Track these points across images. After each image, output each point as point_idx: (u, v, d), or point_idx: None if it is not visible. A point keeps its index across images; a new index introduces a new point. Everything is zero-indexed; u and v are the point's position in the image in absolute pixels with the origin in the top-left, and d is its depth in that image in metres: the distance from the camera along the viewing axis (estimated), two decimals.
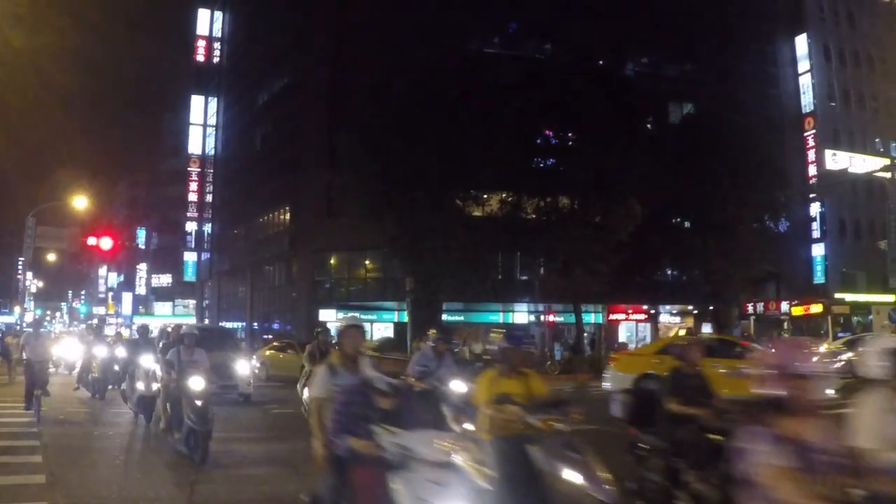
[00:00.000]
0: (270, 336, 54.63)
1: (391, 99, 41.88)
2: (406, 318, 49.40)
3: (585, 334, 51.67)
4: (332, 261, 59.37)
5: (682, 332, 56.24)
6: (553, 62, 51.68)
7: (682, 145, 45.59)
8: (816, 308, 55.08)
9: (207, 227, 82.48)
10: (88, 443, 16.04)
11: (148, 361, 18.38)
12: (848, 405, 5.27)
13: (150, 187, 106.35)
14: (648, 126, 51.25)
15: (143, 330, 21.72)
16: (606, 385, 25.14)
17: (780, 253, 53.60)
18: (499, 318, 55.89)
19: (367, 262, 57.85)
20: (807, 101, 65.64)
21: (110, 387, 24.15)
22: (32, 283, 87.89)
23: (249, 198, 69.65)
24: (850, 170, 59.68)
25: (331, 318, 54.35)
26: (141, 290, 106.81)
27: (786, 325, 54.92)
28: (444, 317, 46.74)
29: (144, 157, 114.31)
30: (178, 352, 14.74)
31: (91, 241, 49.94)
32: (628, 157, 41.67)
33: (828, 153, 63.07)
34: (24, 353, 20.39)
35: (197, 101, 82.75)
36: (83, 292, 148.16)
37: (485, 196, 48.14)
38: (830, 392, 4.62)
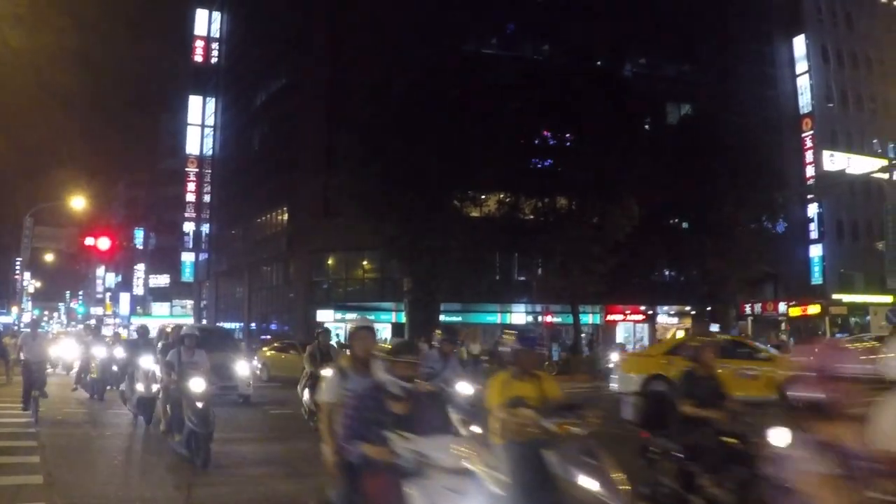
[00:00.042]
0: (269, 336, 54.56)
1: (390, 99, 41.81)
2: (404, 319, 49.40)
3: (583, 335, 51.67)
4: (329, 261, 59.34)
5: (681, 333, 56.37)
6: (551, 63, 51.72)
7: (680, 146, 45.62)
8: (814, 309, 55.22)
9: (205, 228, 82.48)
10: (86, 443, 16.01)
11: (147, 362, 18.24)
12: (871, 407, 5.16)
13: (148, 187, 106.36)
14: (646, 127, 51.35)
15: (143, 330, 21.52)
16: (614, 386, 25.12)
17: (778, 254, 53.64)
18: (496, 318, 55.91)
19: (364, 262, 57.83)
20: (805, 101, 65.70)
21: (109, 388, 23.97)
22: (30, 284, 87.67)
23: (247, 198, 69.63)
24: (847, 171, 59.64)
25: (328, 318, 54.47)
26: (139, 290, 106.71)
27: (783, 325, 54.97)
28: (442, 317, 46.72)
29: (142, 157, 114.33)
30: (178, 353, 14.51)
31: (89, 241, 49.93)
32: (626, 157, 41.67)
33: (826, 154, 63.13)
34: (21, 354, 20.34)
35: (195, 102, 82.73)
36: (81, 292, 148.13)
37: (483, 196, 48.13)
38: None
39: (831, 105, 66.80)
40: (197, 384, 13.53)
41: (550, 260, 47.04)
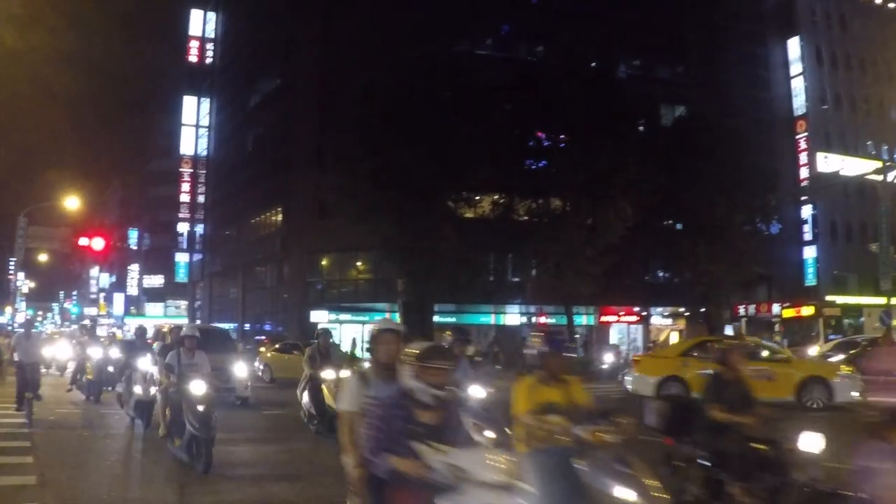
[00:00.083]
0: (264, 337, 54.50)
1: (384, 100, 41.74)
2: (398, 320, 49.36)
3: (577, 336, 51.68)
4: (323, 262, 59.33)
5: (675, 334, 56.39)
6: (545, 64, 51.80)
7: (673, 148, 45.65)
8: (808, 310, 55.10)
9: (199, 228, 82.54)
10: (81, 445, 15.85)
11: (145, 364, 17.86)
12: None
13: (142, 188, 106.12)
14: (640, 128, 51.34)
15: (141, 331, 21.30)
16: (628, 388, 25.11)
17: (772, 255, 53.71)
18: (490, 319, 55.92)
19: (358, 263, 57.87)
20: (799, 103, 65.73)
21: (108, 389, 23.57)
22: (24, 284, 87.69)
23: (241, 199, 69.64)
24: (841, 172, 59.72)
25: (322, 319, 54.51)
26: (132, 290, 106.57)
27: (777, 327, 54.96)
28: (436, 318, 46.73)
29: (136, 157, 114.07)
30: (177, 354, 14.11)
31: (83, 241, 49.98)
32: (620, 159, 41.66)
33: (819, 156, 63.24)
34: (14, 355, 20.18)
35: (189, 102, 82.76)
36: (75, 293, 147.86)
37: (477, 197, 48.17)
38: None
39: (825, 107, 66.85)
40: (198, 387, 13.09)
41: (544, 261, 46.98)
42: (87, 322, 51.44)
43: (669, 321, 61.09)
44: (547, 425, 6.93)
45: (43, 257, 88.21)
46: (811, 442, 7.59)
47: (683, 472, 8.82)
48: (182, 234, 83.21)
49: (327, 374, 16.30)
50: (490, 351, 46.09)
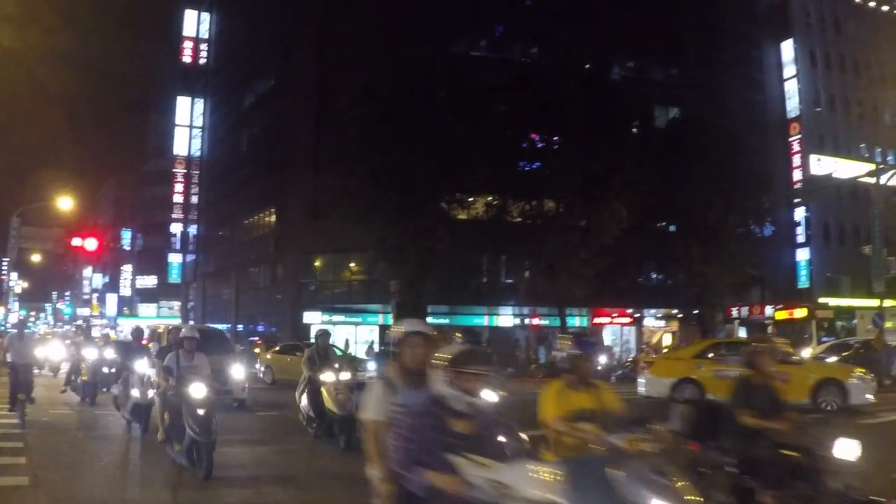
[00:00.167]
0: (257, 338, 54.40)
1: (378, 101, 41.72)
2: (391, 321, 49.36)
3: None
4: (317, 263, 59.32)
5: (668, 336, 56.49)
6: (540, 65, 51.89)
7: (667, 149, 45.66)
8: (801, 312, 55.35)
9: (193, 229, 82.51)
10: (75, 446, 15.77)
11: (143, 366, 17.51)
12: None
13: (136, 188, 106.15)
14: (634, 130, 51.29)
15: (137, 332, 21.10)
16: (641, 391, 24.94)
17: (765, 257, 53.69)
18: (483, 321, 55.87)
19: (352, 264, 57.83)
20: (792, 105, 65.81)
21: (103, 390, 23.34)
22: (17, 284, 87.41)
23: (235, 199, 69.61)
24: (834, 175, 59.87)
25: (316, 320, 54.53)
26: (125, 291, 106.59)
27: (770, 329, 55.05)
28: (429, 319, 46.68)
29: (130, 157, 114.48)
30: (176, 356, 13.73)
31: (76, 241, 49.97)
32: (614, 160, 41.62)
33: (813, 158, 63.34)
34: (7, 356, 20.05)
35: (183, 103, 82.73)
36: (68, 293, 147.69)
37: (470, 199, 48.10)
38: None
39: (819, 109, 66.93)
40: (198, 390, 12.73)
41: (538, 263, 46.96)
42: (81, 322, 51.36)
43: (662, 323, 61.17)
44: (579, 433, 6.64)
45: (36, 258, 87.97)
46: (846, 449, 7.39)
47: (710, 479, 8.37)
48: (175, 235, 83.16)
49: (326, 376, 16.02)
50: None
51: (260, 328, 64.66)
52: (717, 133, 46.73)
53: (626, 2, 54.67)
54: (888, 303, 39.88)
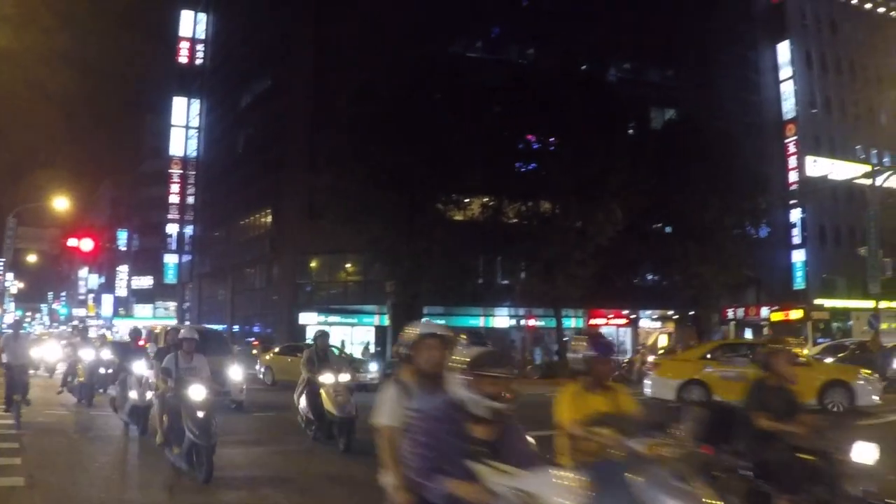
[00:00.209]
0: (254, 339, 54.35)
1: (374, 101, 41.72)
2: (387, 322, 49.37)
3: (566, 339, 51.72)
4: (313, 264, 59.29)
5: (664, 337, 56.48)
6: (536, 66, 51.93)
7: (663, 151, 45.61)
8: (796, 314, 55.35)
9: (189, 230, 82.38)
10: (71, 447, 15.67)
11: (140, 368, 17.17)
12: None
13: (132, 189, 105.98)
14: (630, 131, 51.31)
15: (136, 334, 20.96)
16: (648, 392, 24.83)
17: (761, 258, 53.78)
18: (479, 321, 55.84)
19: (348, 265, 57.82)
20: (788, 107, 65.89)
21: (100, 391, 23.12)
22: (13, 285, 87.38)
23: (231, 200, 69.53)
24: (830, 176, 59.94)
25: (311, 320, 54.50)
26: (121, 291, 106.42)
27: (766, 330, 55.10)
28: (425, 320, 46.74)
29: (126, 158, 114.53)
30: (174, 358, 13.50)
31: (72, 242, 49.98)
32: (610, 162, 41.65)
33: (809, 159, 63.44)
34: (2, 357, 19.96)
35: (179, 103, 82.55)
36: (63, 293, 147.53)
37: (466, 200, 48.13)
38: None
39: (815, 111, 67.02)
40: (197, 392, 12.48)
41: (534, 264, 46.95)
42: (78, 323, 51.25)
43: (658, 324, 61.19)
44: (598, 437, 6.37)
45: (32, 258, 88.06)
46: (864, 452, 7.21)
47: (724, 483, 7.95)
48: (171, 236, 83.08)
49: (326, 378, 15.90)
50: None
51: (256, 329, 64.60)
52: (714, 134, 46.72)
53: (623, 3, 54.75)
54: (884, 304, 39.96)
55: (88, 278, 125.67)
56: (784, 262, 63.30)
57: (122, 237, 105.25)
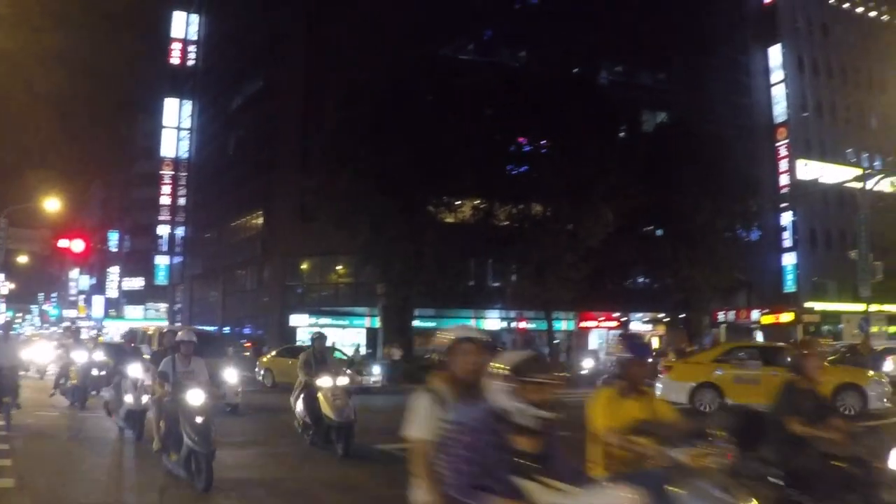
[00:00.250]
0: (246, 341, 54.19)
1: (365, 103, 41.72)
2: (378, 324, 49.36)
3: (556, 341, 51.78)
4: (304, 265, 59.25)
5: (655, 340, 56.48)
6: (528, 69, 51.98)
7: (654, 154, 45.68)
8: (787, 317, 55.47)
9: (180, 231, 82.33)
10: (62, 450, 15.47)
11: (136, 371, 16.74)
12: None
13: (123, 190, 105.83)
14: (622, 134, 51.30)
15: (131, 336, 20.62)
16: (659, 395, 24.68)
17: (752, 261, 53.90)
18: (470, 324, 55.69)
19: (339, 267, 57.75)
20: (780, 110, 66.06)
21: (93, 393, 22.65)
22: (3, 285, 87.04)
23: (222, 202, 69.48)
24: (821, 180, 60.10)
25: (302, 322, 54.52)
26: (112, 293, 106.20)
27: (756, 333, 55.22)
28: (416, 322, 46.80)
29: (117, 159, 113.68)
30: (172, 361, 12.98)
31: (63, 243, 49.74)
32: (601, 164, 41.65)
33: (800, 163, 63.60)
34: None
35: (171, 104, 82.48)
36: (54, 295, 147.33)
37: (457, 202, 48.05)
38: None
39: (806, 114, 67.20)
40: (196, 396, 11.97)
41: (525, 266, 46.95)
42: (70, 324, 51.10)
43: (649, 327, 61.23)
44: (637, 447, 6.01)
45: (23, 259, 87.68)
46: None
47: (753, 490, 7.02)
48: (162, 237, 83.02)
49: (324, 381, 15.49)
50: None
51: (247, 330, 64.48)
52: (705, 137, 46.81)
53: (616, 6, 54.77)
54: (874, 307, 40.03)
55: (79, 279, 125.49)
56: (775, 265, 63.44)
57: (114, 238, 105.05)
